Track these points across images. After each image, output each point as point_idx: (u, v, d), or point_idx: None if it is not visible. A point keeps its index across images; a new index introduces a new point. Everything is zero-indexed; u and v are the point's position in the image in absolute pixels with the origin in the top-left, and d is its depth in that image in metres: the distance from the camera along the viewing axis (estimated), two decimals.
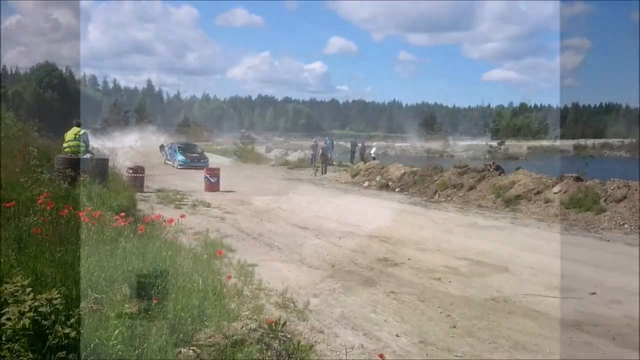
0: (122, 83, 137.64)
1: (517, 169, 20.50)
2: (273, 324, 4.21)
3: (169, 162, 31.27)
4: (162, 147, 34.51)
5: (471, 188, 19.26)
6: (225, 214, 13.67)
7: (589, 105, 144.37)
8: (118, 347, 2.93)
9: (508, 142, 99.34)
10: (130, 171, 17.32)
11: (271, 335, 4.15)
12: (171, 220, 5.23)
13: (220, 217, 13.04)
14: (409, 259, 9.38)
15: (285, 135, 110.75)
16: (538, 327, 6.10)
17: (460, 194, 19.21)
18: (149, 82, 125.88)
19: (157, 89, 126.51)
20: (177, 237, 6.81)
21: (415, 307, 6.78)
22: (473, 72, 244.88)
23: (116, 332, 3.04)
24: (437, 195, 19.80)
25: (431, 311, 6.62)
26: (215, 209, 14.39)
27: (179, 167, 28.88)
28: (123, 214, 5.64)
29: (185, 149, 32.20)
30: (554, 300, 7.20)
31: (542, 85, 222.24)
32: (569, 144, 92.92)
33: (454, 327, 6.06)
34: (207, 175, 19.38)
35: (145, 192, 17.03)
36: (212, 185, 19.05)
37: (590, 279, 8.36)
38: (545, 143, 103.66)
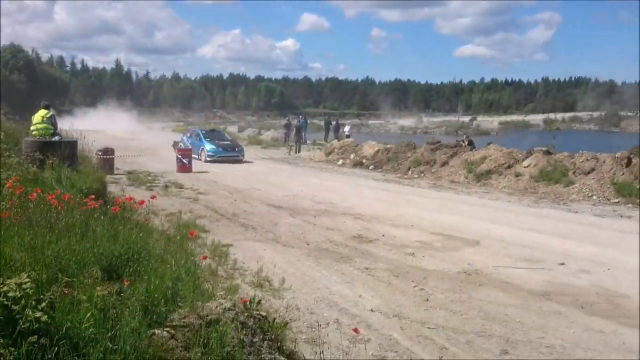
0: (90, 64, 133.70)
1: (489, 144, 20.77)
2: (248, 302, 4.21)
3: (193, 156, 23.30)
4: (176, 143, 24.74)
5: (444, 164, 19.47)
6: (198, 194, 13.57)
7: (559, 79, 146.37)
8: (90, 330, 2.90)
9: (480, 118, 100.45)
10: (100, 153, 17.01)
11: (246, 314, 4.14)
12: (142, 202, 5.16)
13: (193, 198, 12.94)
14: (383, 236, 9.48)
15: (258, 114, 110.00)
16: (508, 298, 6.25)
17: (433, 170, 19.41)
18: (117, 62, 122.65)
19: (125, 69, 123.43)
20: (149, 219, 6.74)
21: (390, 282, 6.87)
22: (445, 48, 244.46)
23: (88, 314, 3.01)
24: (410, 172, 19.97)
25: (405, 285, 6.72)
26: (188, 190, 14.27)
27: (208, 159, 22.59)
28: (93, 196, 5.54)
29: (213, 135, 25.44)
30: (523, 272, 7.37)
31: (513, 60, 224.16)
32: (539, 118, 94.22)
33: (427, 300, 6.17)
34: (179, 156, 19.16)
35: (115, 175, 16.78)
36: (184, 167, 18.85)
37: (559, 250, 8.58)
38: (516, 118, 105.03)
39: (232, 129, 48.78)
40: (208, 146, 23.22)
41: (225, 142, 24.57)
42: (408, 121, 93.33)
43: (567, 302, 6.16)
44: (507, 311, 5.81)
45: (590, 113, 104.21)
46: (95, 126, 33.89)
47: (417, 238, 9.39)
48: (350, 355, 4.46)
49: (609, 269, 7.50)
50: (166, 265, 4.37)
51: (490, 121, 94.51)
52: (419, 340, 5.01)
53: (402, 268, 7.50)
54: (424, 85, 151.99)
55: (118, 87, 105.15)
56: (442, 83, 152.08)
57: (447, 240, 9.31)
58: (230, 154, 23.27)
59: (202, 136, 24.40)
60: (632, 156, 15.30)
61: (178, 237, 6.08)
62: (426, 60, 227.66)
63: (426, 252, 8.43)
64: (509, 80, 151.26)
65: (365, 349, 4.61)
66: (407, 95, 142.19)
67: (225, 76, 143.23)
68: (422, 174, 19.34)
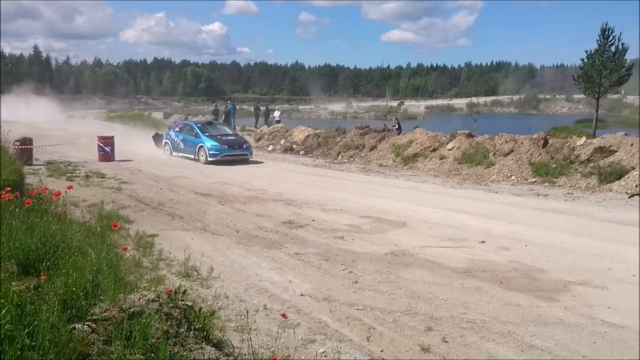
0: (7, 50, 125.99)
1: (415, 128, 21.31)
2: (172, 293, 4.13)
3: (181, 154, 19.72)
4: (157, 135, 21.81)
5: (372, 148, 19.80)
6: (121, 184, 13.11)
7: (481, 64, 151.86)
8: (7, 327, 2.75)
9: (407, 102, 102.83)
10: (17, 143, 16.07)
11: (171, 305, 4.06)
12: (58, 193, 4.92)
13: (116, 188, 12.49)
14: (313, 220, 9.54)
15: (184, 100, 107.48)
16: (433, 276, 6.46)
17: (362, 154, 19.71)
18: (35, 48, 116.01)
19: (44, 55, 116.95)
20: (70, 210, 6.46)
21: (320, 266, 6.92)
22: (372, 33, 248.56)
23: (4, 311, 2.85)
24: (340, 157, 20.18)
25: (335, 269, 6.79)
26: (111, 180, 13.76)
27: (210, 159, 18.15)
28: (9, 188, 5.22)
29: (211, 129, 20.24)
30: (447, 251, 7.64)
31: (438, 45, 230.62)
32: (463, 102, 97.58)
33: (356, 282, 6.27)
34: (101, 144, 18.38)
35: (34, 165, 15.93)
36: (107, 155, 18.14)
37: (480, 229, 8.94)
38: (441, 102, 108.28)
39: (157, 115, 47.37)
40: (209, 143, 18.48)
41: (229, 137, 19.71)
42: (338, 106, 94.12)
43: (487, 278, 6.44)
44: (432, 289, 6.00)
45: (510, 96, 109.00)
46: (11, 116, 31.80)
47: (347, 222, 9.51)
48: (280, 340, 4.48)
49: (526, 246, 7.89)
50: (86, 258, 4.20)
51: (417, 105, 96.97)
52: (348, 322, 5.09)
53: (332, 252, 7.58)
54: (353, 71, 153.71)
55: (37, 74, 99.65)
56: (370, 68, 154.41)
57: (375, 223, 9.49)
58: (237, 152, 18.76)
59: (198, 130, 19.36)
60: (548, 137, 16.17)
61: (99, 228, 5.86)
62: (355, 45, 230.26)
63: (356, 235, 8.56)
64: (434, 65, 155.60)
65: (294, 333, 4.64)
66: (337, 80, 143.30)
67: (149, 61, 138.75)
68: (352, 159, 19.60)
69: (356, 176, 15.83)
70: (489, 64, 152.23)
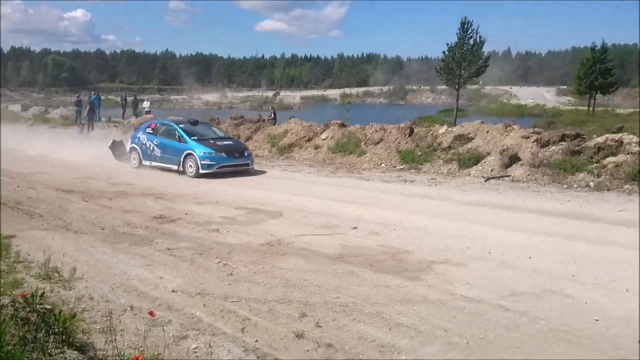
0: None
1: (290, 118, 21.52)
2: (29, 296, 3.81)
3: (156, 164, 15.02)
4: (116, 143, 17.17)
5: (248, 139, 19.67)
6: None
7: (353, 55, 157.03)
8: None
9: (283, 93, 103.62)
10: None
11: (28, 309, 3.76)
12: None
13: None
14: (186, 214, 9.28)
15: (45, 91, 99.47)
16: (308, 264, 6.56)
17: None
18: None
19: None
20: None
21: (193, 260, 6.75)
22: (246, 22, 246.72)
23: None
24: None
25: (209, 262, 6.66)
26: None
27: (203, 172, 13.80)
28: None
29: (199, 131, 15.48)
30: (321, 238, 7.80)
31: (311, 36, 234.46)
32: (336, 93, 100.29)
33: (231, 274, 6.19)
34: None
35: None
36: None
37: (352, 216, 9.24)
38: (316, 92, 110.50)
39: (15, 108, 43.36)
40: (200, 150, 13.97)
41: (225, 142, 15.06)
42: (212, 96, 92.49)
43: (359, 262, 6.66)
44: (306, 276, 6.09)
45: (380, 88, 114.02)
46: None
47: (222, 214, 9.37)
48: (150, 339, 4.30)
49: (394, 230, 8.28)
50: None
51: (292, 96, 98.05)
52: (222, 315, 5.01)
53: (206, 245, 7.42)
54: (227, 60, 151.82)
55: None
56: (245, 58, 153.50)
57: (251, 214, 9.44)
58: (237, 161, 14.46)
59: (182, 132, 14.62)
60: (413, 126, 17.09)
61: None
62: (228, 34, 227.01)
63: (230, 227, 8.46)
64: (308, 56, 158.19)
65: (164, 330, 4.47)
66: (210, 69, 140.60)
67: (5, 50, 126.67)
68: None
69: None
70: (359, 55, 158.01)
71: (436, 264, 6.55)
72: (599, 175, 11.38)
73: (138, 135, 15.72)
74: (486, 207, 9.92)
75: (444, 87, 59.29)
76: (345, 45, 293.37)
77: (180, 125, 15.03)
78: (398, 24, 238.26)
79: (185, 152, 14.10)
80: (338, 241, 7.64)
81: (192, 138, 14.39)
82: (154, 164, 14.97)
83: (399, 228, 8.38)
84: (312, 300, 5.37)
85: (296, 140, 18.21)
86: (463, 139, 14.94)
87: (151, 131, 15.44)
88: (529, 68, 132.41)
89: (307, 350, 4.31)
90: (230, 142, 15.27)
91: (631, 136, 12.55)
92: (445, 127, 16.46)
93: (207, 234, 8.05)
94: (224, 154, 14.14)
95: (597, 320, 4.83)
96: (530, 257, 6.71)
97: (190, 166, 13.96)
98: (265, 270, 6.33)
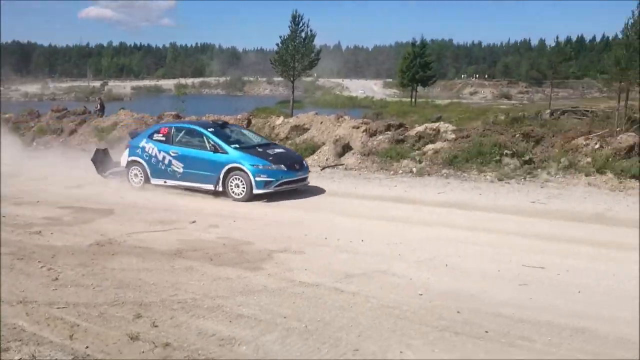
0: None
1: (120, 109, 20.39)
2: None
3: (174, 183, 10.78)
4: (99, 152, 12.41)
5: (73, 132, 18.22)
6: None
7: (187, 45, 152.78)
8: None
9: (111, 83, 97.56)
10: None
11: None
12: None
13: None
14: (4, 217, 8.37)
15: None
16: (142, 262, 6.27)
17: (61, 140, 17.97)
18: None
19: None
20: None
21: (13, 266, 6.11)
22: (68, 9, 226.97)
23: None
24: (35, 143, 18.05)
25: (31, 268, 6.07)
26: None
27: (257, 192, 9.94)
28: None
29: (238, 138, 11.24)
30: (158, 234, 7.51)
31: (141, 24, 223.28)
32: (171, 83, 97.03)
33: (57, 279, 5.70)
34: None
35: None
36: None
37: (191, 209, 9.04)
38: (148, 83, 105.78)
39: None
40: (250, 162, 10.11)
41: (277, 150, 11.10)
42: (32, 87, 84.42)
43: (198, 257, 6.53)
44: (141, 275, 5.81)
45: (217, 78, 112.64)
46: None
47: (44, 215, 8.62)
48: None
49: (234, 221, 8.26)
50: None
51: (122, 86, 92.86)
52: (48, 323, 4.60)
53: (28, 249, 6.76)
54: (47, 49, 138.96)
55: None
56: (67, 46, 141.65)
57: (78, 213, 8.79)
58: (296, 175, 10.57)
59: (216, 139, 10.58)
60: (251, 117, 17.16)
61: None
62: (48, 21, 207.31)
63: (55, 228, 7.79)
64: (138, 44, 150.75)
65: None
66: (29, 58, 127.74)
67: None
68: (49, 144, 17.69)
69: (55, 161, 14.33)
70: (194, 45, 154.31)
71: (276, 253, 6.67)
72: (420, 162, 12.42)
73: (141, 145, 11.26)
74: (322, 196, 10.32)
75: (281, 78, 60.43)
76: (178, 34, 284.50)
77: (210, 130, 10.89)
78: (231, 15, 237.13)
79: (226, 166, 10.23)
80: (176, 236, 7.43)
81: (232, 146, 10.50)
82: (171, 182, 10.84)
83: (239, 219, 8.41)
84: (148, 299, 5.14)
85: (126, 133, 17.23)
86: (299, 129, 15.34)
87: (162, 138, 11.15)
88: (358, 62, 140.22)
89: (143, 352, 4.12)
90: (283, 150, 11.43)
91: (447, 125, 13.92)
92: (282, 118, 16.78)
93: (29, 236, 7.39)
94: (282, 167, 10.31)
95: (421, 294, 5.28)
96: (362, 241, 7.13)
97: (237, 185, 10.11)
98: (94, 272, 5.92)
